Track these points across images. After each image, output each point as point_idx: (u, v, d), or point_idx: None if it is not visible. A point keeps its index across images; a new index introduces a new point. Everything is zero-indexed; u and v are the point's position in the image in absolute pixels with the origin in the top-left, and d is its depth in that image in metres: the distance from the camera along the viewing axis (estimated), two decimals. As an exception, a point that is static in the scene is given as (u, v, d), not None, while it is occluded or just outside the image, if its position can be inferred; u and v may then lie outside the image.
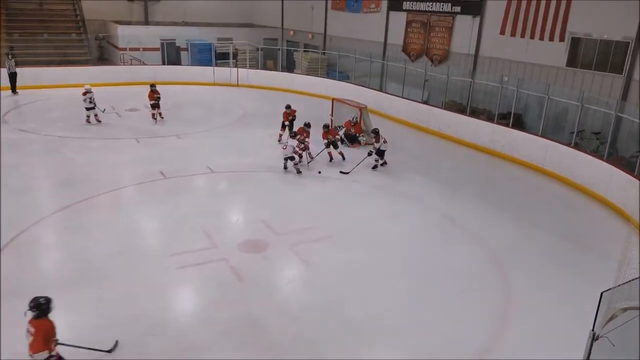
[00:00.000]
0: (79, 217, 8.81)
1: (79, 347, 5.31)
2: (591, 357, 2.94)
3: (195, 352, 5.62)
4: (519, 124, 13.88)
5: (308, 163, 11.71)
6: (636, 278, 3.35)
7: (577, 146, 11.82)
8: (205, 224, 8.60)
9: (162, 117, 15.13)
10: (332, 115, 15.00)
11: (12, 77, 17.67)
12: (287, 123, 13.41)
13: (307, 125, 11.97)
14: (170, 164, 11.52)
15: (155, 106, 14.87)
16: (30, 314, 4.66)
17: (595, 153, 11.53)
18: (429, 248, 8.32)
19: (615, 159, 11.21)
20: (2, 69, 17.65)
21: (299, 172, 11.23)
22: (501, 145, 13.30)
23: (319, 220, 8.99)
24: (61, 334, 5.85)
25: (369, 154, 11.67)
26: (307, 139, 11.75)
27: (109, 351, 5.56)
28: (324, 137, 12.15)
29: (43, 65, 19.62)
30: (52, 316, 6.22)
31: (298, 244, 8.05)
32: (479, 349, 5.86)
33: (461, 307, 6.70)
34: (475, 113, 14.92)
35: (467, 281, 7.34)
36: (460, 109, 15.26)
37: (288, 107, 13.52)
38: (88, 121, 14.48)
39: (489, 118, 14.30)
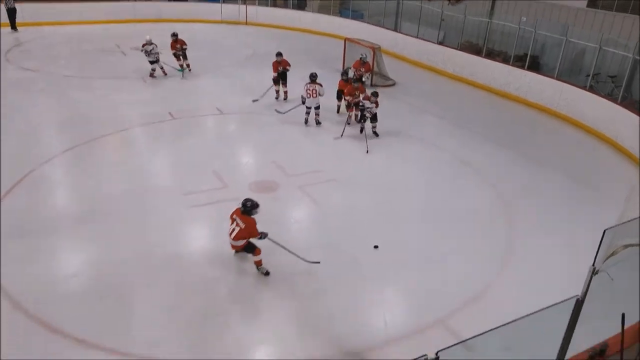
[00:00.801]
0: (88, 156, 8.93)
1: (285, 248, 6.06)
2: (589, 290, 3.05)
3: (206, 285, 5.87)
4: (535, 66, 13.52)
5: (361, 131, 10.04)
6: (638, 217, 3.41)
7: (592, 89, 11.57)
8: (215, 165, 8.70)
9: (190, 70, 13.73)
10: (344, 56, 14.66)
11: (11, 13, 17.26)
12: (275, 74, 11.73)
13: (358, 80, 10.56)
14: (179, 104, 11.49)
15: (182, 57, 13.46)
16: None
17: (610, 96, 11.31)
18: (438, 190, 8.40)
19: (629, 102, 11.00)
20: None
21: (318, 123, 10.67)
22: (516, 87, 13.06)
23: (329, 163, 9.05)
24: (78, 267, 6.15)
25: (363, 120, 10.00)
26: (363, 101, 9.98)
27: (312, 262, 6.09)
28: (342, 86, 11.13)
29: (43, 1, 19.12)
30: (71, 250, 6.55)
31: (308, 186, 8.16)
32: (482, 286, 6.04)
33: (467, 247, 6.86)
34: (491, 55, 14.52)
35: (474, 222, 7.46)
36: (476, 50, 14.85)
37: (279, 54, 11.69)
38: (152, 75, 13.22)
39: (505, 60, 13.94)
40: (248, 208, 5.86)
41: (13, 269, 5.93)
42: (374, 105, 9.92)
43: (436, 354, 2.87)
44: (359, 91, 10.41)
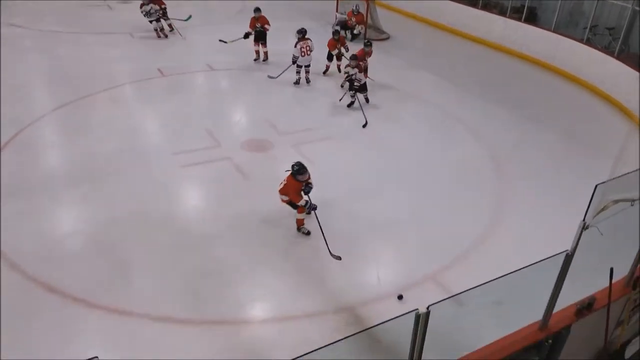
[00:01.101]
0: (78, 115, 8.78)
1: (322, 231, 5.80)
2: (579, 245, 3.10)
3: (201, 244, 5.90)
4: (532, 17, 13.20)
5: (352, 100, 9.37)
6: (631, 172, 3.41)
7: (589, 42, 11.37)
8: (207, 123, 8.59)
9: (172, 30, 12.74)
10: (337, 10, 14.21)
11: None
12: (250, 31, 10.89)
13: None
14: (168, 60, 11.21)
15: (162, 17, 12.54)
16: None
17: (607, 49, 11.13)
18: (432, 146, 8.38)
19: (626, 55, 10.84)
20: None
21: (308, 81, 10.33)
22: (512, 40, 12.82)
23: (321, 122, 8.96)
24: (73, 227, 6.15)
25: (352, 93, 9.25)
26: (346, 69, 9.26)
27: (334, 256, 5.70)
28: (331, 47, 10.52)
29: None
30: (65, 209, 6.52)
31: (301, 144, 8.09)
32: (473, 241, 6.13)
33: (458, 203, 6.90)
34: (487, 6, 14.13)
35: (466, 178, 7.49)
36: (472, 2, 14.43)
37: (257, 10, 10.73)
38: (158, 36, 12.55)
39: (502, 12, 13.59)
40: (293, 171, 5.84)
41: (8, 229, 5.93)
42: (356, 70, 9.01)
43: (427, 308, 2.93)
44: (369, 55, 9.66)
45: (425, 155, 8.14)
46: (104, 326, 4.81)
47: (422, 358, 3.09)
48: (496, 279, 3.14)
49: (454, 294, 2.95)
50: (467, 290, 3.16)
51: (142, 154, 7.72)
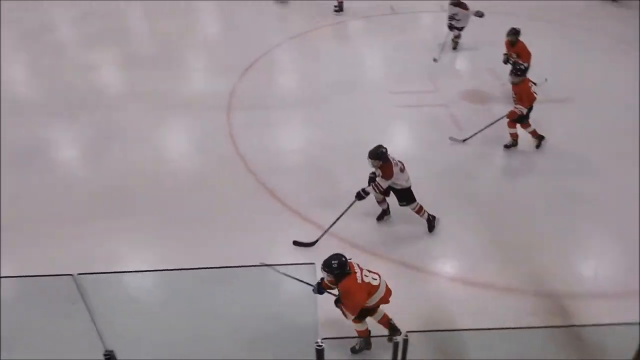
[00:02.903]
0: (308, 46, 9.43)
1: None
2: None
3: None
4: None
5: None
6: None
7: None
8: (428, 65, 8.40)
9: None
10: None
11: None
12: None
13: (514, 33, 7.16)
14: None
15: None
16: None
17: None
18: None
19: None
20: None
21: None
22: None
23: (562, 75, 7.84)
24: (296, 145, 6.75)
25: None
26: None
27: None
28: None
29: None
30: (291, 129, 7.18)
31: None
32: None
33: None
34: None
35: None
36: None
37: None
38: None
39: None
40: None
41: (245, 140, 6.78)
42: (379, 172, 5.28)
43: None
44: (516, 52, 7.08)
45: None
46: (305, 237, 5.12)
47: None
48: None
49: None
50: None
51: (361, 87, 8.01)
